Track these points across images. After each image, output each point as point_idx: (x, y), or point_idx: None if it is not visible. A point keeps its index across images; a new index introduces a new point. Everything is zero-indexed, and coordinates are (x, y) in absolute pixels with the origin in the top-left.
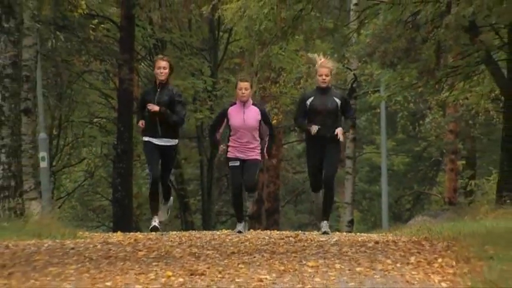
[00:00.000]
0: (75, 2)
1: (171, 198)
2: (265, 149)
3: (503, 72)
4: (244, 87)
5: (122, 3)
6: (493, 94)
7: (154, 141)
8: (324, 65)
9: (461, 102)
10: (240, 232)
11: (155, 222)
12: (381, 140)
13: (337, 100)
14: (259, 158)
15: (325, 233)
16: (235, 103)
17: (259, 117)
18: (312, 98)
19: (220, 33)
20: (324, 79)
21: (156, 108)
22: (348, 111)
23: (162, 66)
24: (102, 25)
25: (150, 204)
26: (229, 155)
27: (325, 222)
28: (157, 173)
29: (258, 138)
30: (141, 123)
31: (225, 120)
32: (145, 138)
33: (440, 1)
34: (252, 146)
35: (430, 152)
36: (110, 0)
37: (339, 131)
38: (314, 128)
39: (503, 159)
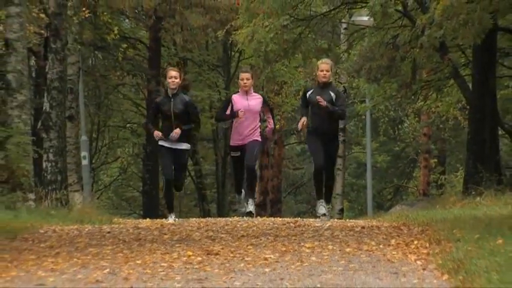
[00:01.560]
0: (110, 27)
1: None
2: (270, 126)
3: (468, 85)
4: (246, 78)
5: (150, 28)
6: (460, 103)
7: (168, 145)
8: (325, 62)
9: (434, 110)
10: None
11: (171, 219)
12: (366, 141)
13: (332, 94)
14: (259, 139)
15: (324, 215)
16: (238, 92)
17: (261, 103)
18: (312, 91)
19: (233, 53)
20: (325, 74)
21: (177, 133)
22: (338, 103)
23: (174, 76)
24: (134, 46)
25: (166, 203)
26: (232, 143)
27: (323, 203)
28: (171, 175)
29: (259, 122)
30: (157, 133)
31: (230, 106)
32: (160, 142)
33: (416, 26)
34: (253, 128)
35: (407, 151)
36: (140, 25)
37: (322, 99)
38: (301, 123)
39: (469, 157)
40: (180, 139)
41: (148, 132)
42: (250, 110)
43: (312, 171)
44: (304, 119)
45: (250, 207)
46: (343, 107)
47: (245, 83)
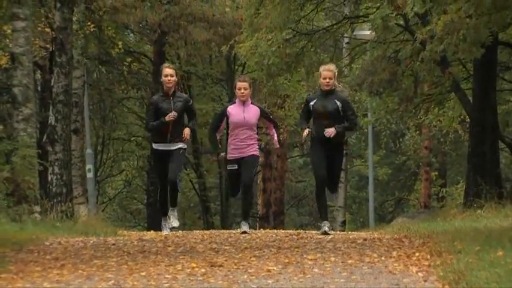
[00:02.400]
0: (115, 41)
1: (176, 209)
2: (274, 138)
3: (469, 99)
4: (243, 87)
5: (155, 42)
6: (460, 117)
7: (163, 148)
8: (328, 69)
9: (435, 124)
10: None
11: (169, 225)
12: (368, 154)
13: (338, 102)
14: (257, 153)
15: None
16: (234, 103)
17: (258, 115)
18: (315, 100)
19: (236, 67)
20: (328, 82)
21: (174, 115)
22: (348, 114)
23: (170, 74)
24: (139, 60)
25: (161, 210)
26: (229, 156)
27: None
28: (165, 182)
29: (256, 135)
30: (168, 116)
31: (225, 119)
32: (155, 146)
33: (415, 38)
34: (250, 142)
35: (408, 164)
36: (145, 39)
37: (330, 130)
38: (305, 133)
39: (469, 170)
40: (175, 138)
41: (154, 130)
42: (246, 123)
43: (315, 185)
44: (307, 131)
45: (244, 227)
46: (354, 116)
47: (242, 93)
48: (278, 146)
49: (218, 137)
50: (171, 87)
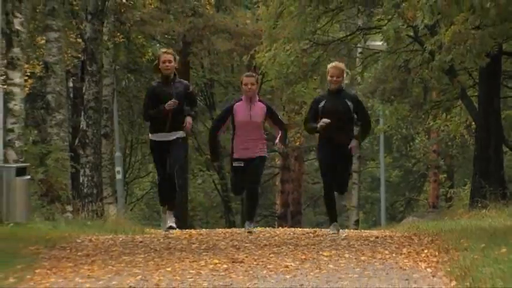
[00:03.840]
0: (144, 50)
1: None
2: (278, 140)
3: (475, 105)
4: (250, 83)
5: (180, 52)
6: (466, 122)
7: (161, 139)
8: (335, 66)
9: (443, 129)
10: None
11: (171, 222)
12: (380, 157)
13: (349, 102)
14: (264, 154)
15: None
16: (241, 99)
17: (265, 113)
18: (324, 101)
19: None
20: (336, 80)
21: (175, 103)
22: (362, 116)
23: (168, 60)
24: None
25: (162, 203)
26: (235, 156)
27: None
28: (165, 174)
29: (264, 135)
30: (169, 104)
31: (230, 117)
32: (152, 137)
33: (424, 48)
34: (257, 142)
35: (418, 166)
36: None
37: (353, 146)
38: (324, 122)
39: (475, 172)
40: (175, 127)
41: (155, 117)
42: (251, 122)
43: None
44: (325, 120)
45: (248, 226)
46: (367, 115)
47: (250, 88)
48: (282, 146)
49: (219, 138)
50: (170, 73)
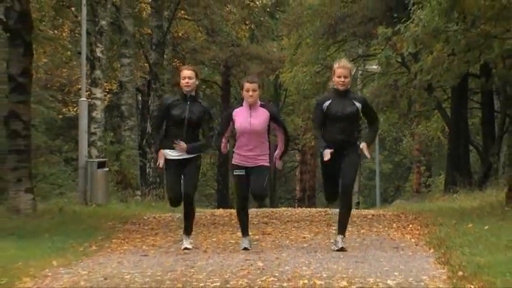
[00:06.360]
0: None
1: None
2: (276, 155)
3: (449, 114)
4: (252, 89)
5: (223, 74)
6: (442, 127)
7: (174, 156)
8: (343, 66)
9: (423, 132)
10: (246, 249)
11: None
12: (375, 154)
13: (357, 104)
14: (267, 164)
15: (341, 249)
16: (241, 105)
17: (267, 119)
18: (329, 102)
19: (280, 91)
20: (343, 81)
21: (182, 148)
22: (370, 117)
23: (187, 76)
24: (211, 86)
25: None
26: (234, 162)
27: (340, 236)
28: (177, 194)
29: (267, 143)
30: (161, 154)
31: (230, 123)
32: (165, 152)
33: (410, 72)
34: (259, 152)
35: (404, 161)
36: (216, 71)
37: (363, 147)
38: (326, 155)
39: (448, 166)
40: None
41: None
42: (252, 130)
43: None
44: (329, 154)
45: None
46: (376, 115)
47: (251, 95)
48: (279, 162)
49: (224, 144)
50: (189, 91)
